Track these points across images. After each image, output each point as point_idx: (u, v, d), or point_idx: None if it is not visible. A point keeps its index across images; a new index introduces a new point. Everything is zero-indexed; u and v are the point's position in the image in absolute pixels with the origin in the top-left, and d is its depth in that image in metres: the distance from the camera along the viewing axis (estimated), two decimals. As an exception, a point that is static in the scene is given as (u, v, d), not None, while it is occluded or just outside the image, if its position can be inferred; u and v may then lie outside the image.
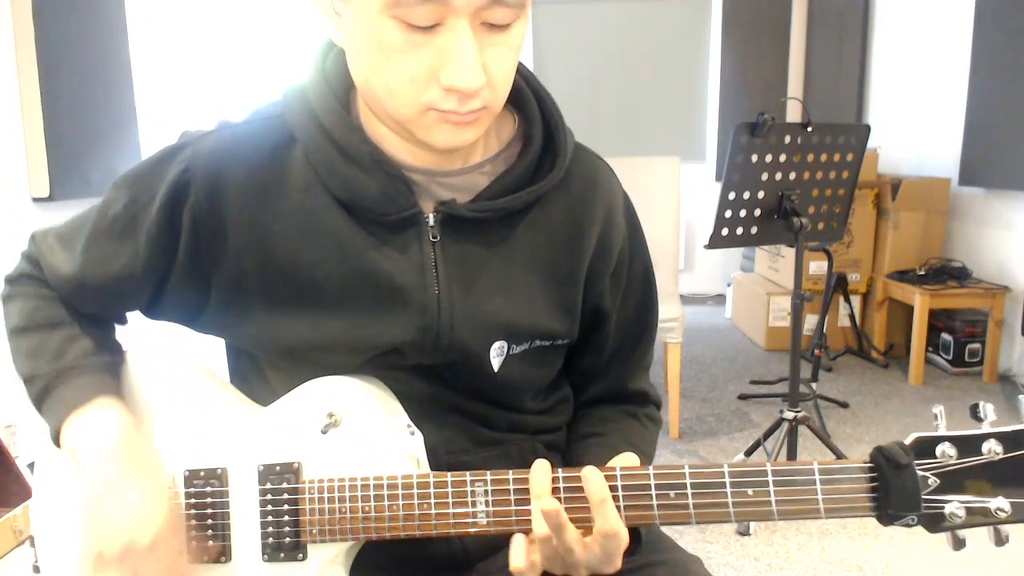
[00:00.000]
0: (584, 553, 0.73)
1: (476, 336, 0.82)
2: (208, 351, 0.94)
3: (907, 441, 0.72)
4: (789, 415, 2.42)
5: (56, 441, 0.81)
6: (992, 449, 0.70)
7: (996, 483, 0.70)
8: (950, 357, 3.61)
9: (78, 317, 0.87)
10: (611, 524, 0.72)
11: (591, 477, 0.73)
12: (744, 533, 2.25)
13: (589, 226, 0.86)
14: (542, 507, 0.72)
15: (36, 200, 2.74)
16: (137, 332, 0.97)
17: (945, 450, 0.71)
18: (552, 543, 0.73)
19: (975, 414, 0.72)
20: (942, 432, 0.72)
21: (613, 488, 0.73)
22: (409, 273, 0.80)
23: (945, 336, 3.63)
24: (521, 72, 0.83)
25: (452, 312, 0.81)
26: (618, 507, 0.74)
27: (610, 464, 0.77)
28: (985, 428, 0.71)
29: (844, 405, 3.28)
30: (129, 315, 0.92)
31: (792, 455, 2.42)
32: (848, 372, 3.75)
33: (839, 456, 2.51)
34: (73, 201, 2.77)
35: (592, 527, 0.73)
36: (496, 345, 0.83)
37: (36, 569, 0.86)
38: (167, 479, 0.81)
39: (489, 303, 0.82)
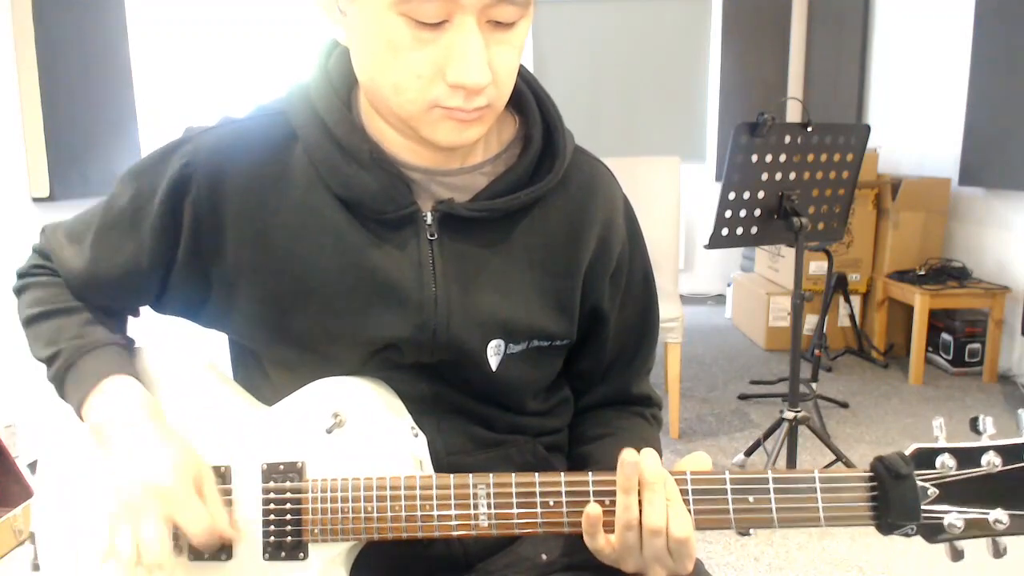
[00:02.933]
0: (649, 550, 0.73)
1: (473, 334, 0.82)
2: (215, 349, 0.95)
3: (907, 451, 0.72)
4: (789, 415, 2.42)
5: (78, 413, 0.83)
6: (991, 461, 0.71)
7: (995, 495, 0.71)
8: (950, 357, 3.61)
9: (91, 307, 0.89)
10: (654, 520, 0.71)
11: (647, 459, 0.72)
12: (744, 533, 2.26)
13: (588, 228, 0.86)
14: (586, 510, 0.73)
15: (36, 200, 2.74)
16: (146, 329, 0.98)
17: (945, 461, 0.71)
18: (630, 536, 0.73)
19: (974, 427, 0.73)
20: (942, 443, 0.72)
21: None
22: (406, 270, 0.81)
23: (945, 336, 3.63)
24: (522, 74, 0.83)
25: (449, 310, 0.81)
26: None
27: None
28: (985, 441, 0.72)
29: (844, 405, 3.28)
30: (141, 309, 0.94)
31: (792, 455, 2.42)
32: (848, 372, 3.75)
33: (839, 456, 2.51)
34: (73, 201, 2.77)
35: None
36: (493, 344, 0.84)
37: (35, 567, 0.86)
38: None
39: (486, 302, 0.83)
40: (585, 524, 0.73)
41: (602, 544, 0.73)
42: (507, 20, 0.70)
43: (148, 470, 0.76)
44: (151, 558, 0.73)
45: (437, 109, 0.72)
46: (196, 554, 0.80)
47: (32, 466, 2.32)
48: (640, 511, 0.72)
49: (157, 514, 0.74)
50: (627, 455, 0.72)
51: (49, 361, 0.86)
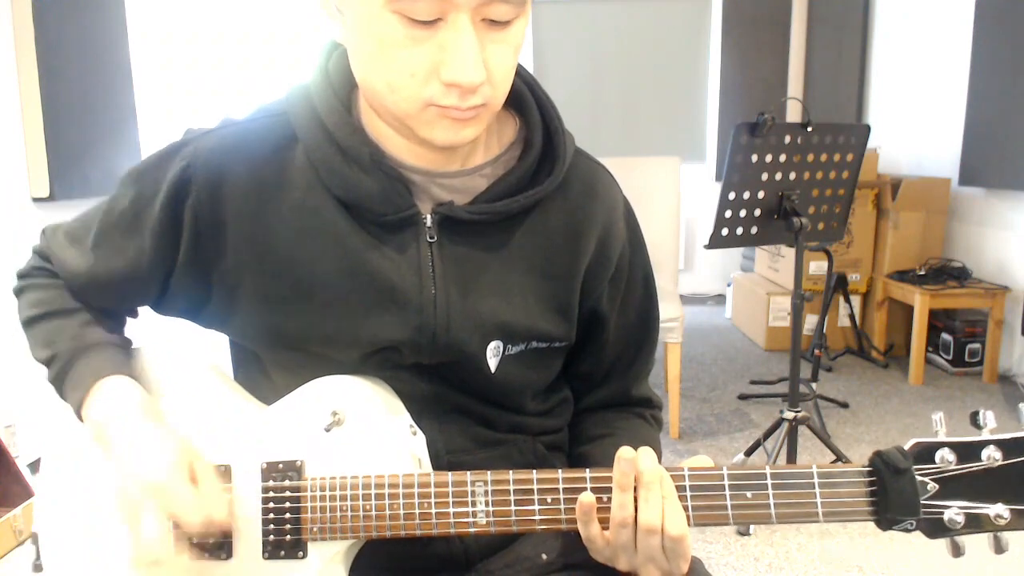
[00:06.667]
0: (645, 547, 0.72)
1: (472, 336, 0.82)
2: (216, 349, 0.95)
3: (907, 446, 0.71)
4: (789, 415, 2.42)
5: (78, 414, 0.83)
6: (991, 456, 0.70)
7: (996, 489, 0.70)
8: (950, 357, 3.61)
9: (90, 309, 0.90)
10: (650, 517, 0.71)
11: (644, 457, 0.72)
12: (744, 533, 2.26)
13: (588, 231, 0.86)
14: (580, 498, 0.73)
15: (36, 200, 2.74)
16: (146, 330, 0.98)
17: (944, 456, 0.71)
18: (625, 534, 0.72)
19: (975, 421, 0.72)
20: (942, 438, 0.71)
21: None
22: (406, 273, 0.81)
23: (945, 336, 3.63)
24: (522, 76, 0.84)
25: (448, 312, 0.81)
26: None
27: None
28: (985, 435, 0.71)
29: (844, 405, 3.28)
30: (140, 309, 0.94)
31: (792, 455, 2.42)
32: (848, 372, 3.75)
33: (839, 456, 2.51)
34: (73, 201, 2.77)
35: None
36: (492, 345, 0.84)
37: (37, 568, 0.86)
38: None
39: (485, 304, 0.83)
40: (579, 512, 0.73)
41: (595, 533, 0.73)
42: (502, 18, 0.70)
43: (142, 467, 0.76)
44: (149, 555, 0.73)
45: (432, 108, 0.72)
46: (197, 553, 0.81)
47: (32, 466, 2.32)
48: (636, 509, 0.72)
49: (153, 511, 0.74)
50: (624, 452, 0.72)
51: (48, 363, 0.86)
